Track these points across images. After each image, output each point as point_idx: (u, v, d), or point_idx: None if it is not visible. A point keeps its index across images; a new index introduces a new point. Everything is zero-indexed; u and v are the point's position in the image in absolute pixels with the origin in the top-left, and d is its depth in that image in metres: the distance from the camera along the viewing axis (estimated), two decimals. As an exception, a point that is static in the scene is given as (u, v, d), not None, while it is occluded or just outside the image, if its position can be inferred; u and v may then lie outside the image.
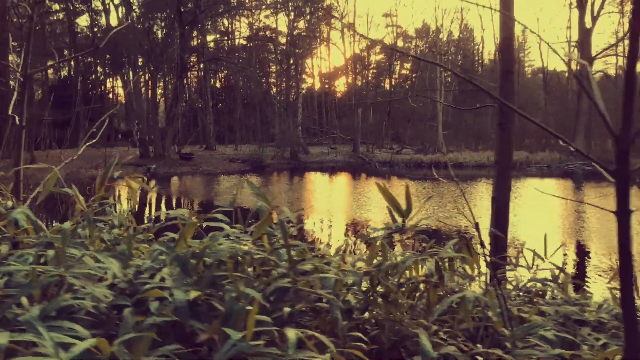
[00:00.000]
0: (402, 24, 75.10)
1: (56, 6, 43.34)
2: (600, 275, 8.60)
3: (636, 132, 1.55)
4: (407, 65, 63.51)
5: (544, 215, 15.77)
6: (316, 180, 26.37)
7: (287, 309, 1.78)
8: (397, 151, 42.16)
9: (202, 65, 45.48)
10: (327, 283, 2.07)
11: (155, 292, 1.32)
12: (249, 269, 1.82)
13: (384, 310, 2.21)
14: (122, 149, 40.20)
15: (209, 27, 48.12)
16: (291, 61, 45.04)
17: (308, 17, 47.59)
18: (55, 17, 44.90)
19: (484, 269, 2.65)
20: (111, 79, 49.72)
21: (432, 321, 2.15)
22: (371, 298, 2.25)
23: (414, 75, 58.99)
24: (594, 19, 38.44)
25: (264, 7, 50.30)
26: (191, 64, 42.10)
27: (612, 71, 50.78)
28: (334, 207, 17.23)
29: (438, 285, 2.24)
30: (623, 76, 1.64)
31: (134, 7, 37.29)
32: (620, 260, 1.59)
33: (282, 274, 1.78)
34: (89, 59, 48.48)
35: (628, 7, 40.65)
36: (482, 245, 2.29)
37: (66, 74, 49.08)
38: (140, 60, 41.23)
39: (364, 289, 2.42)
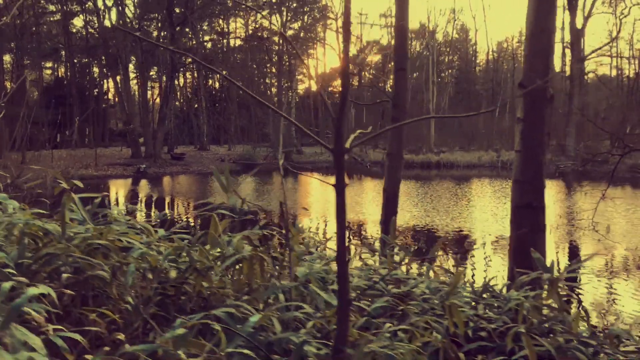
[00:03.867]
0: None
1: (52, 7, 43.70)
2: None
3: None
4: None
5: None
6: (301, 180, 26.53)
7: (65, 275, 1.97)
8: (390, 151, 42.36)
9: (195, 66, 45.72)
10: (132, 254, 2.27)
11: None
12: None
13: (197, 283, 2.40)
14: (116, 149, 40.48)
15: (206, 27, 48.43)
16: (285, 60, 45.25)
17: (303, 17, 47.80)
18: (51, 18, 45.23)
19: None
20: (106, 80, 50.00)
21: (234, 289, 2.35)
22: (188, 272, 2.44)
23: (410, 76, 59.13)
24: (586, 19, 38.56)
25: (260, 8, 50.52)
26: (184, 64, 42.30)
27: (606, 71, 50.76)
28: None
29: (252, 259, 2.44)
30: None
31: (127, 9, 37.61)
32: (337, 228, 1.77)
33: (58, 244, 1.97)
34: (84, 60, 48.79)
35: (620, 8, 40.73)
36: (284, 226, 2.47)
37: (62, 74, 49.43)
38: (133, 60, 41.53)
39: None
